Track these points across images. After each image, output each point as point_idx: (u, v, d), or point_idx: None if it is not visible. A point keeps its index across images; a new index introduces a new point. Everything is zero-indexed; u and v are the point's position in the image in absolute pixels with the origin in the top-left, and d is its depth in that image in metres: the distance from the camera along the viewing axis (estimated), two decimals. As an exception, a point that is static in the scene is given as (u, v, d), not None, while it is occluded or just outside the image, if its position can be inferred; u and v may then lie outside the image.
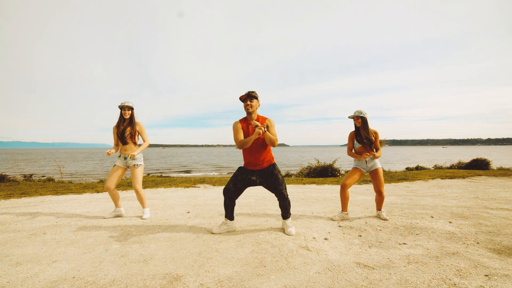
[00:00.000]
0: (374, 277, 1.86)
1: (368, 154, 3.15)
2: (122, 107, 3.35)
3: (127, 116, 3.36)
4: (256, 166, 2.74)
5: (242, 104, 2.75)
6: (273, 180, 2.73)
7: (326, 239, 2.63)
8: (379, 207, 3.42)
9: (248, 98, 2.65)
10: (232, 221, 2.86)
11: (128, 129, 3.35)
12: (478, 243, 2.50)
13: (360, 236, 2.73)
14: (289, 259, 2.16)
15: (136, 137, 3.42)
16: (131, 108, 3.41)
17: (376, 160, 3.30)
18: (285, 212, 2.81)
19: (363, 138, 3.28)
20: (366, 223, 3.18)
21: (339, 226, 3.07)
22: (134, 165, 3.38)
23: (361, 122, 3.27)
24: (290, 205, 2.82)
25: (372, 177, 3.31)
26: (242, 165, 2.85)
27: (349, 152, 3.38)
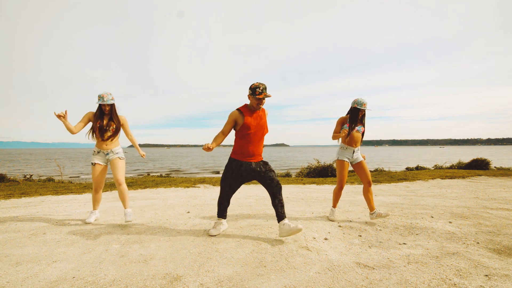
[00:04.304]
0: (374, 277, 1.86)
1: (345, 131, 3.03)
2: (102, 104, 3.04)
3: (107, 111, 3.09)
4: (250, 158, 2.63)
5: (246, 97, 2.61)
6: (268, 170, 2.63)
7: (326, 239, 2.63)
8: (371, 206, 3.18)
9: (264, 98, 2.54)
10: (225, 219, 2.86)
11: (112, 123, 3.10)
12: (478, 243, 2.50)
13: (360, 236, 2.73)
14: (289, 259, 2.16)
15: (119, 132, 3.19)
16: (111, 105, 3.11)
17: (359, 153, 3.23)
18: (281, 208, 2.61)
19: (355, 127, 3.16)
20: (366, 223, 3.18)
21: (339, 226, 3.07)
22: (119, 157, 3.16)
23: (364, 113, 3.22)
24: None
25: (358, 169, 3.21)
26: (232, 157, 2.68)
27: (334, 135, 3.21)
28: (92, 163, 3.14)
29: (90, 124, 3.13)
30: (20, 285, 1.76)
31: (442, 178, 7.41)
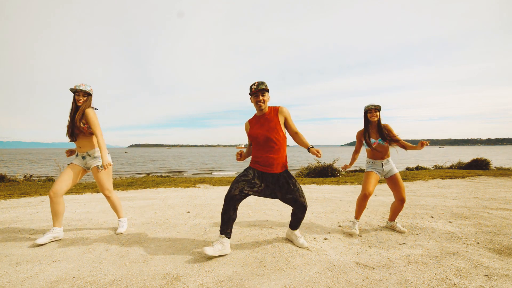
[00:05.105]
0: (374, 277, 1.86)
1: (347, 166, 2.90)
2: (75, 91, 2.55)
3: (81, 104, 2.56)
4: (267, 168, 2.32)
5: (249, 100, 2.43)
6: (291, 190, 2.32)
7: (326, 239, 2.63)
8: (393, 217, 2.94)
9: (260, 92, 2.29)
10: (228, 240, 2.27)
11: (81, 118, 2.57)
12: (478, 243, 2.50)
13: (360, 236, 2.73)
14: (289, 259, 2.16)
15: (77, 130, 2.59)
16: (88, 94, 2.61)
17: (393, 165, 2.86)
18: (297, 223, 2.48)
19: (370, 139, 2.83)
20: (366, 223, 3.18)
21: (339, 226, 3.07)
22: (97, 166, 2.65)
23: (379, 117, 2.82)
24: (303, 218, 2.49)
25: (392, 184, 2.84)
26: (250, 166, 2.42)
27: (353, 155, 2.98)
28: (70, 163, 2.69)
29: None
30: (20, 285, 1.76)
31: (442, 178, 7.40)
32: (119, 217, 2.91)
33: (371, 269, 1.99)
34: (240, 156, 2.36)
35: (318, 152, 2.23)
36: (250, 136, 2.43)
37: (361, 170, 10.57)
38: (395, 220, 2.97)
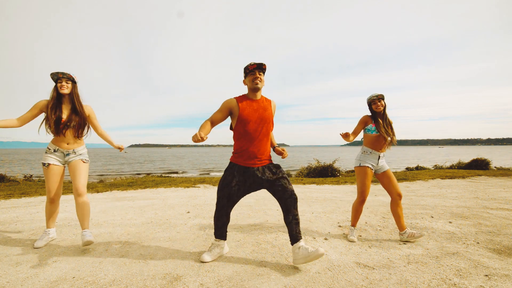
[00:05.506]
0: (374, 277, 1.86)
1: (346, 134, 2.47)
2: (57, 78, 2.30)
3: (65, 90, 2.29)
4: (255, 162, 2.10)
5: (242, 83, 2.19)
6: (278, 178, 2.08)
7: (326, 239, 2.63)
8: (403, 223, 2.59)
9: (258, 69, 2.07)
10: (225, 241, 2.23)
11: (74, 117, 2.36)
12: (478, 243, 2.50)
13: (360, 236, 2.73)
14: (289, 259, 2.16)
15: (86, 127, 2.50)
16: (72, 81, 2.36)
17: (384, 162, 2.67)
18: (296, 225, 2.06)
19: (383, 126, 2.59)
20: (366, 223, 3.18)
21: (339, 226, 3.07)
22: (82, 159, 2.46)
23: (385, 106, 2.61)
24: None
25: (386, 179, 2.63)
26: (232, 162, 2.16)
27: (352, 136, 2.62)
28: (44, 164, 2.37)
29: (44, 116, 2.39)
30: (20, 285, 1.76)
31: (442, 178, 7.41)
32: (83, 227, 2.37)
33: (371, 269, 1.99)
34: (201, 139, 1.85)
35: (283, 150, 2.19)
36: (240, 118, 2.07)
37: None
38: (407, 228, 2.62)
